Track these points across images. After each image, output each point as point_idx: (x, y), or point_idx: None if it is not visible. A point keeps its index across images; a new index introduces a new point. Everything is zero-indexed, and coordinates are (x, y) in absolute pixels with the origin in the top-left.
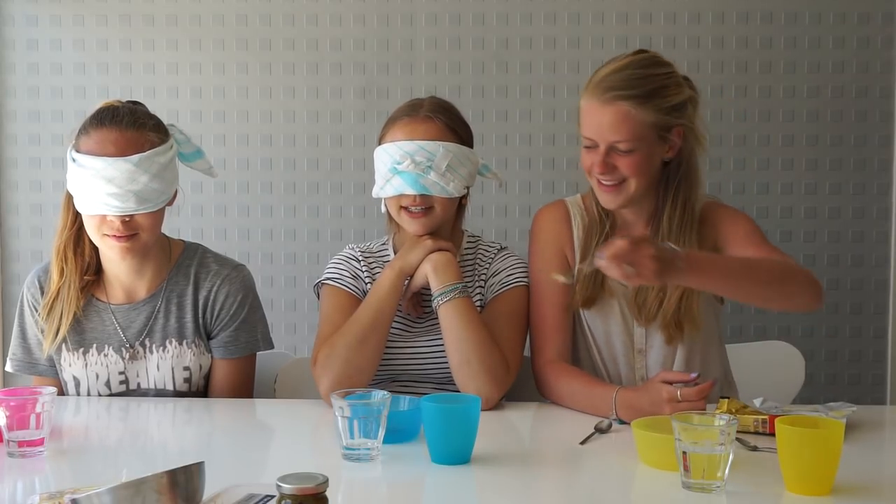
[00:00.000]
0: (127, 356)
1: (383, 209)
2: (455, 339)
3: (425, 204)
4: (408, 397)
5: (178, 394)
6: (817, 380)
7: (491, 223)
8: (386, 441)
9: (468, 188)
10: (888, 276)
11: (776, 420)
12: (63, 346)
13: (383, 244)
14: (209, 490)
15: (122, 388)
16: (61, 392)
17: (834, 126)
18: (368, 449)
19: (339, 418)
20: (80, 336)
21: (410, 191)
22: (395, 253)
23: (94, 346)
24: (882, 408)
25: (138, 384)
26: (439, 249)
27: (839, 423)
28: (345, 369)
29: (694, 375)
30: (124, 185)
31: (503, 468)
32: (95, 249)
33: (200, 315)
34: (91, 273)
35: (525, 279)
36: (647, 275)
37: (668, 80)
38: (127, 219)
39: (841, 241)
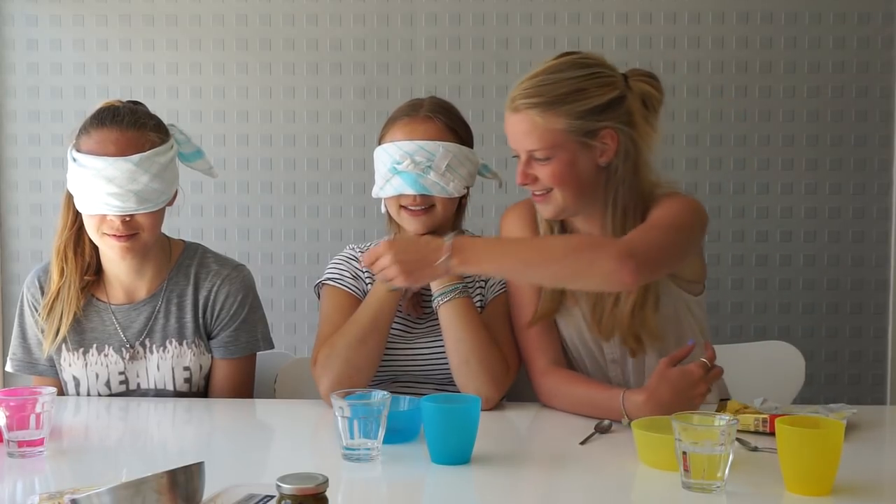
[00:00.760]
0: (127, 356)
1: (383, 209)
2: (455, 339)
3: (425, 203)
4: (408, 397)
5: (178, 394)
6: (817, 380)
7: (491, 223)
8: (386, 441)
9: (468, 188)
10: (888, 276)
11: (776, 420)
12: (63, 346)
13: None
14: (209, 490)
15: (122, 388)
16: (61, 392)
17: (834, 126)
18: (368, 449)
19: (339, 418)
20: (80, 336)
21: (410, 191)
22: None
23: (94, 346)
24: (882, 408)
25: (138, 384)
26: None
27: (839, 423)
28: (345, 369)
29: (692, 342)
30: (125, 185)
31: (503, 468)
32: (95, 249)
33: (200, 315)
34: (91, 273)
35: None
36: (399, 277)
37: (585, 83)
38: (127, 218)
39: (841, 241)
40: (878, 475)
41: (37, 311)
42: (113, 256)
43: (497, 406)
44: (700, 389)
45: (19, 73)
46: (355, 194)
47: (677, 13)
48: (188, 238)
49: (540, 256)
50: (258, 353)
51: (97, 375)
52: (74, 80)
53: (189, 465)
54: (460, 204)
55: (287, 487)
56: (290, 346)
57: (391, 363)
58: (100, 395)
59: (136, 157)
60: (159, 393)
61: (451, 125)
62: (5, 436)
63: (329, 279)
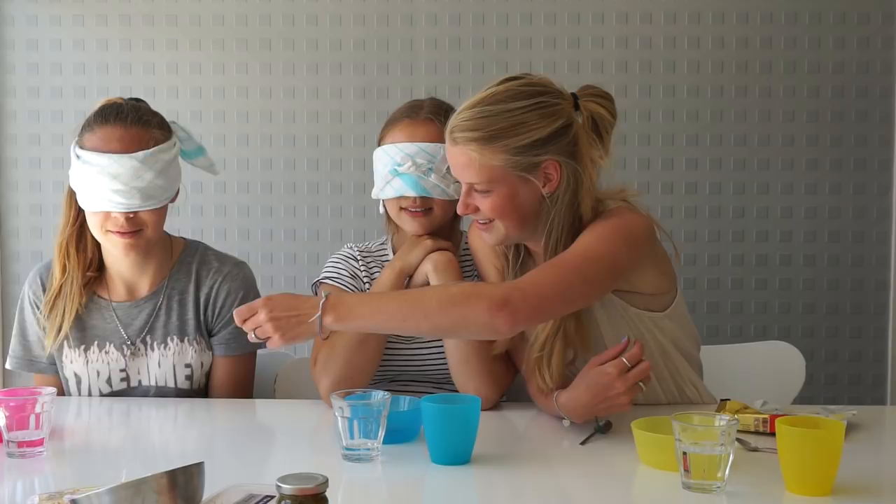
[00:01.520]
0: (128, 353)
1: (381, 210)
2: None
3: (425, 205)
4: (407, 397)
5: (179, 391)
6: (817, 380)
7: None
8: (386, 441)
9: None
10: (888, 276)
11: (776, 420)
12: (65, 343)
13: (382, 244)
14: (209, 490)
15: (123, 385)
16: (62, 391)
17: (834, 126)
18: (368, 449)
19: (339, 419)
20: (81, 333)
21: (411, 193)
22: (393, 253)
23: (96, 342)
24: (882, 408)
25: (139, 381)
26: (439, 249)
27: (839, 424)
28: (344, 370)
29: (625, 339)
30: (129, 182)
31: (503, 468)
32: (98, 246)
33: (202, 312)
34: (94, 269)
35: None
36: (274, 336)
37: (525, 115)
38: (131, 215)
39: (841, 241)
40: (878, 475)
41: (38, 308)
42: (116, 253)
43: (497, 406)
44: (616, 389)
45: (19, 73)
46: (355, 194)
47: (677, 13)
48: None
49: (414, 312)
50: (258, 351)
51: (98, 373)
52: (74, 80)
53: (189, 466)
54: None
55: (287, 487)
56: (289, 347)
57: (390, 363)
58: (101, 392)
59: (140, 153)
60: (160, 390)
61: None
62: (5, 436)
63: (327, 278)
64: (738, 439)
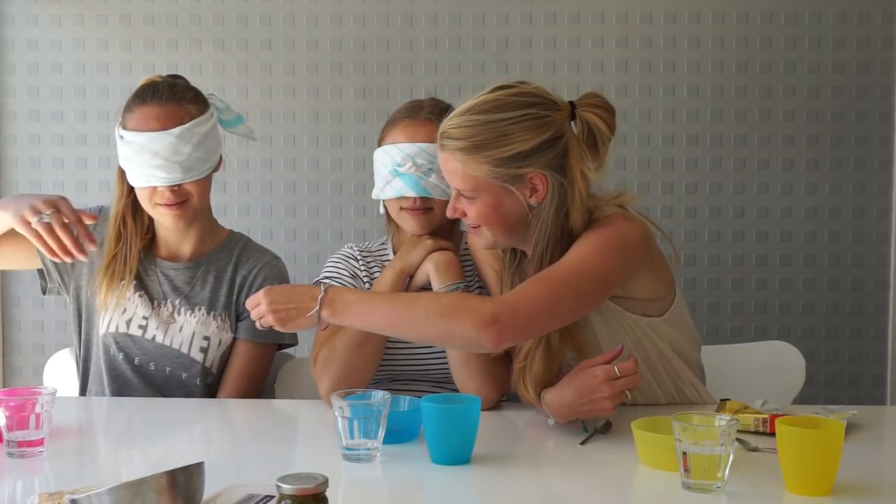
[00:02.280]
0: (157, 307)
1: (381, 210)
2: None
3: (425, 205)
4: (408, 397)
5: (190, 361)
6: (817, 380)
7: None
8: (386, 441)
9: None
10: (888, 276)
11: (776, 420)
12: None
13: (382, 244)
14: (209, 490)
15: (139, 332)
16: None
17: (834, 126)
18: (368, 449)
19: (339, 418)
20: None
21: (412, 193)
22: (393, 253)
23: (134, 283)
24: (882, 408)
25: (154, 336)
26: (440, 249)
27: (839, 424)
28: (345, 370)
29: (620, 346)
30: (169, 157)
31: (503, 468)
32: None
33: (235, 293)
34: (150, 234)
35: None
36: (274, 324)
37: (511, 127)
38: (175, 188)
39: (841, 241)
40: (878, 475)
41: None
42: (167, 223)
43: (497, 406)
44: (601, 393)
45: (19, 73)
46: (355, 194)
47: (677, 13)
48: None
49: (403, 319)
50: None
51: (124, 309)
52: (74, 80)
53: (189, 466)
54: None
55: (287, 487)
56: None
57: (390, 363)
58: (116, 329)
59: (177, 129)
60: (173, 353)
61: None
62: (5, 436)
63: (327, 277)
64: (738, 439)
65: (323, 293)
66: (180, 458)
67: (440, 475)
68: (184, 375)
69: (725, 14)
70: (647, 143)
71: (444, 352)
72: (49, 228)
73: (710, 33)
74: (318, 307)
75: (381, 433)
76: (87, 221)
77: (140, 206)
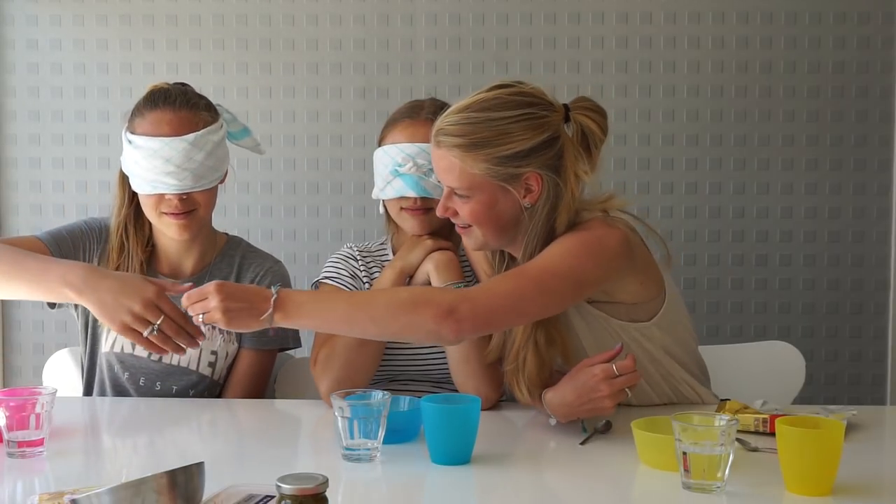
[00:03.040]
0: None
1: (381, 210)
2: None
3: (426, 205)
4: (408, 397)
5: (199, 377)
6: (817, 380)
7: None
8: (386, 441)
9: None
10: (888, 276)
11: (776, 420)
12: None
13: (382, 244)
14: (209, 490)
15: (144, 353)
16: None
17: (834, 126)
18: (368, 449)
19: (339, 418)
20: None
21: (412, 193)
22: (393, 253)
23: None
24: (882, 408)
25: (160, 357)
26: (440, 249)
27: (839, 424)
28: (345, 370)
29: (619, 346)
30: (181, 164)
31: (503, 468)
32: (151, 224)
33: None
34: (150, 246)
35: None
36: (221, 321)
37: (510, 126)
38: (184, 196)
39: (841, 241)
40: (878, 475)
41: (91, 240)
42: (171, 234)
43: (497, 406)
44: (601, 392)
45: (19, 73)
46: (355, 194)
47: (677, 13)
48: None
49: (361, 315)
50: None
51: None
52: (74, 80)
53: (189, 466)
54: None
55: (287, 487)
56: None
57: (390, 363)
58: (124, 349)
59: (191, 136)
60: (181, 371)
61: None
62: (5, 436)
63: (327, 278)
64: (738, 439)
65: (275, 295)
66: (180, 459)
67: (440, 475)
68: (191, 392)
69: (725, 14)
70: (647, 143)
71: (443, 352)
72: (163, 337)
73: (710, 33)
74: (271, 309)
75: (381, 433)
76: (186, 307)
77: (140, 216)
